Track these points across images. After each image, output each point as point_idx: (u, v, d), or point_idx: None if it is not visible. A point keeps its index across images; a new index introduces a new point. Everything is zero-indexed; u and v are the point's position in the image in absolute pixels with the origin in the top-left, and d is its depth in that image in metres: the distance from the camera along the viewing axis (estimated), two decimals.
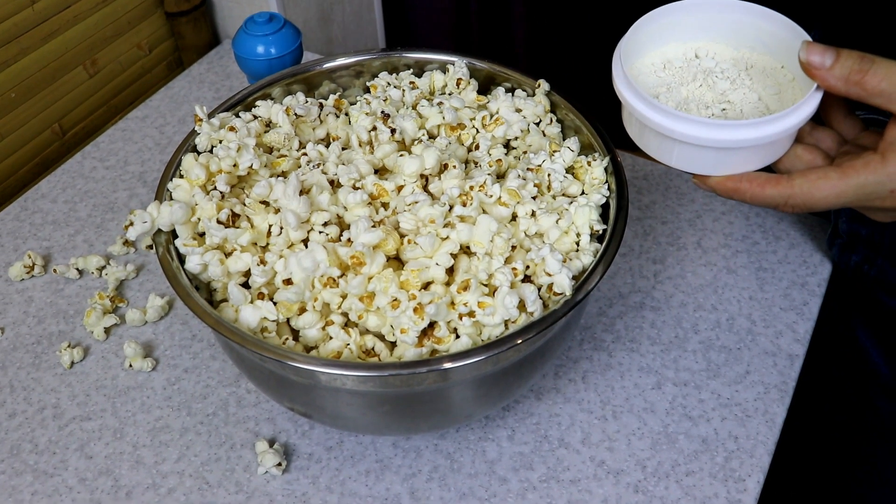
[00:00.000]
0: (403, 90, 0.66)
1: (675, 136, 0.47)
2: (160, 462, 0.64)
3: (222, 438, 0.65)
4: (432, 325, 0.51)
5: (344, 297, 0.53)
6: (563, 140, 0.64)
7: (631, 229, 0.80)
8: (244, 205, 0.57)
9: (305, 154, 0.61)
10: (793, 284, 0.75)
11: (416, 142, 0.61)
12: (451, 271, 0.54)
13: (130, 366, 0.70)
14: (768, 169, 0.50)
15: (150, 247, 0.80)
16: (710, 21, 0.52)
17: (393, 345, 0.53)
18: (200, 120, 0.62)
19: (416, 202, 0.54)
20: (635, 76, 0.51)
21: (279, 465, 0.62)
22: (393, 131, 0.60)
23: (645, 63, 0.53)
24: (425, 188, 0.57)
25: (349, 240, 0.53)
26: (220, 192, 0.57)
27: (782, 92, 0.51)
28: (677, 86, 0.52)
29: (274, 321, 0.53)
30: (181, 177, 0.59)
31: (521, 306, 0.51)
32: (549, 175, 0.58)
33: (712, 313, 0.73)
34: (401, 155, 0.59)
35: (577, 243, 0.56)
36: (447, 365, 0.48)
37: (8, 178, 0.91)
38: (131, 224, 0.79)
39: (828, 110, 0.51)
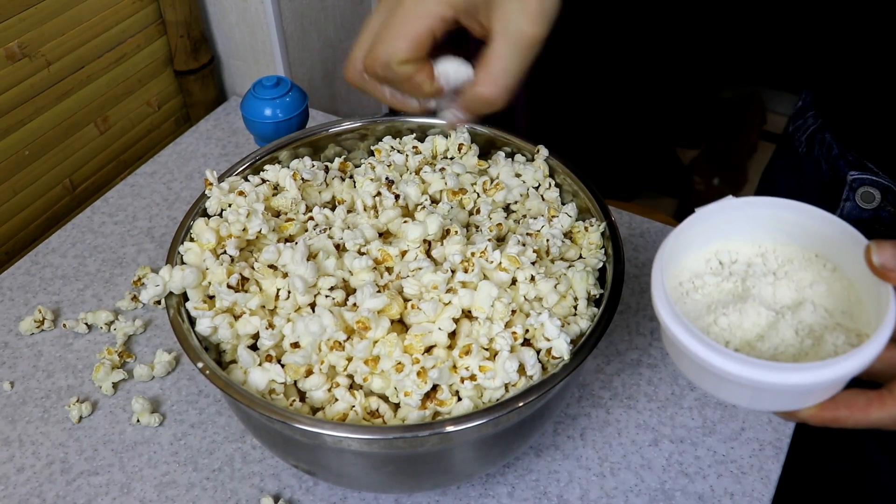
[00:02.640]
0: (407, 155, 0.69)
1: (757, 386, 0.40)
2: None
3: (228, 494, 0.66)
4: (435, 387, 0.53)
5: (349, 360, 0.54)
6: (562, 204, 0.67)
7: (628, 287, 0.82)
8: (253, 269, 0.59)
9: (312, 218, 0.63)
10: None
11: (419, 207, 0.63)
12: (452, 335, 0.55)
13: (138, 421, 0.71)
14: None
15: (158, 302, 0.81)
16: (723, 223, 0.47)
17: (397, 406, 0.55)
18: (211, 184, 0.64)
19: (420, 268, 0.56)
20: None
21: None
22: (397, 197, 0.62)
23: (672, 284, 0.47)
24: (428, 253, 0.60)
25: (355, 304, 0.55)
26: (230, 257, 0.59)
27: (830, 287, 0.45)
28: (723, 309, 0.45)
29: (282, 383, 0.54)
30: (192, 240, 0.61)
31: (521, 370, 0.53)
32: (547, 240, 0.60)
33: None
34: (404, 220, 0.61)
35: (575, 307, 0.58)
36: (451, 428, 0.50)
37: (19, 233, 0.93)
38: (140, 281, 0.81)
39: None
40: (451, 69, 0.51)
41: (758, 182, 0.94)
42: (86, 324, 0.79)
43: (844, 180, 0.72)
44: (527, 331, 0.55)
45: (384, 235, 0.63)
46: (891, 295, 0.41)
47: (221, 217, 0.63)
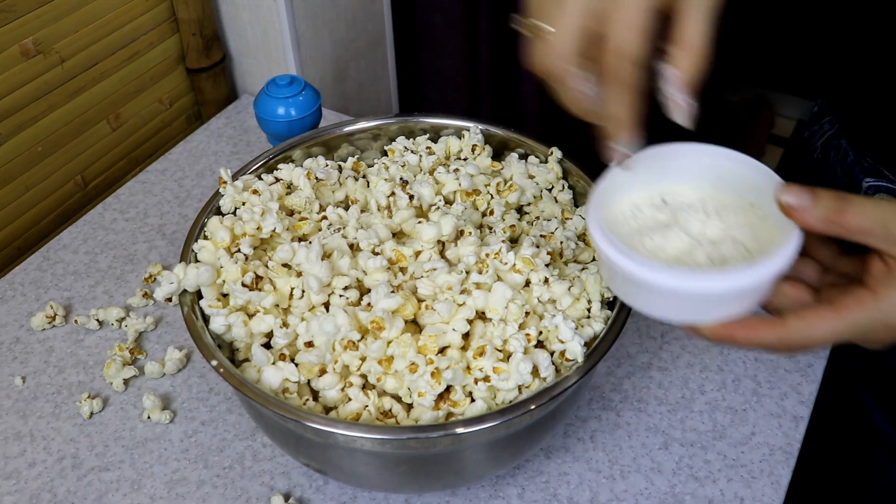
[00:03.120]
0: (420, 155, 0.69)
1: (661, 290, 0.46)
2: None
3: (238, 492, 0.66)
4: (448, 388, 0.53)
5: (363, 359, 0.54)
6: (575, 207, 0.67)
7: None
8: (267, 267, 0.59)
9: (326, 217, 0.63)
10: None
11: (433, 207, 0.63)
12: (466, 336, 0.55)
13: (149, 417, 0.71)
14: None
15: (169, 299, 0.82)
16: (672, 166, 0.52)
17: (409, 406, 0.55)
18: (225, 182, 0.64)
19: (434, 269, 0.56)
20: (608, 225, 0.49)
21: None
22: (411, 197, 0.62)
23: (615, 212, 0.52)
24: (442, 253, 0.60)
25: (369, 304, 0.55)
26: (245, 255, 0.59)
27: (756, 231, 0.50)
28: (650, 233, 0.51)
29: (295, 382, 0.55)
30: (206, 238, 0.61)
31: (535, 371, 0.53)
32: (561, 242, 0.60)
33: (718, 374, 0.74)
34: (418, 221, 0.61)
35: (589, 310, 0.58)
36: (464, 430, 0.50)
37: (31, 229, 0.93)
38: (152, 277, 0.81)
39: (805, 238, 0.50)
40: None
41: None
42: (97, 320, 0.80)
43: (860, 186, 0.72)
44: (540, 333, 0.55)
45: (398, 236, 0.63)
46: (795, 231, 0.46)
47: (235, 215, 0.63)
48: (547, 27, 0.45)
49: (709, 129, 2.15)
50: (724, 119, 2.27)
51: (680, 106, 0.47)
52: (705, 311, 0.47)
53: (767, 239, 0.49)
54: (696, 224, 0.50)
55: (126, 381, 0.74)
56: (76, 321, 0.80)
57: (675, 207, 0.51)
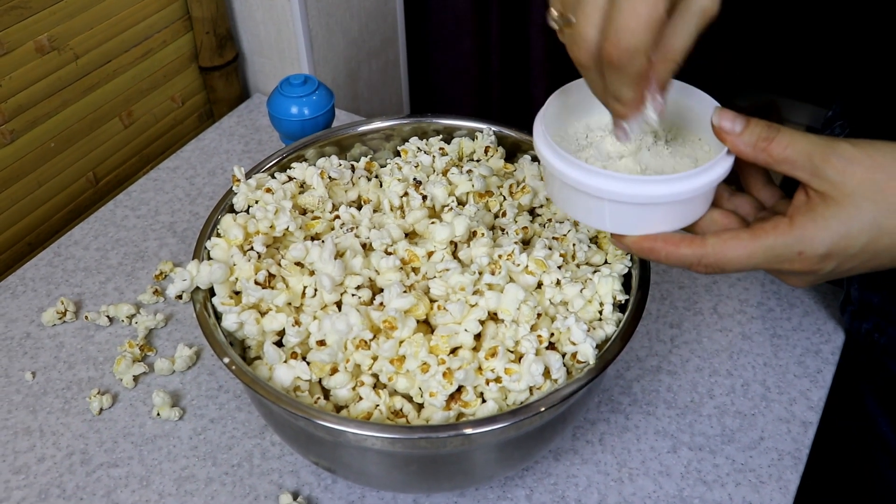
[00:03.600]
0: (433, 156, 0.69)
1: (593, 193, 0.48)
2: None
3: (247, 490, 0.66)
4: (460, 388, 0.53)
5: (375, 359, 0.55)
6: None
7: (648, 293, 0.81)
8: (280, 265, 0.59)
9: (338, 217, 0.63)
10: (807, 352, 0.76)
11: (445, 208, 0.63)
12: (478, 337, 0.55)
13: (158, 414, 0.72)
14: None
15: (180, 297, 0.82)
16: None
17: (420, 406, 0.55)
18: (238, 180, 0.64)
19: (447, 269, 0.56)
20: (559, 142, 0.51)
21: None
22: (424, 198, 0.62)
23: (567, 132, 0.54)
24: (454, 254, 0.60)
25: (381, 303, 0.55)
26: (258, 253, 0.59)
27: (699, 161, 0.52)
28: (598, 151, 0.52)
29: (307, 381, 0.55)
30: (219, 236, 0.61)
31: (546, 373, 0.53)
32: (573, 245, 0.60)
33: (727, 379, 0.74)
34: (431, 221, 0.61)
35: (601, 312, 0.58)
36: (475, 430, 0.50)
37: (42, 224, 0.94)
38: (163, 274, 0.81)
39: (748, 178, 0.53)
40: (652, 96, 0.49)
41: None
42: (107, 316, 0.80)
43: None
44: (552, 334, 0.55)
45: (410, 236, 0.63)
46: (723, 153, 0.48)
47: (248, 213, 0.63)
48: (571, 18, 0.46)
49: None
50: None
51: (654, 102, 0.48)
52: (632, 220, 0.49)
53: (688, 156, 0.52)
54: (643, 148, 0.52)
55: (136, 378, 0.75)
56: (86, 317, 0.80)
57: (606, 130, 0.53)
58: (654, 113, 0.48)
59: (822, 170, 0.45)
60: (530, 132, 0.71)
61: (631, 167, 0.51)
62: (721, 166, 0.48)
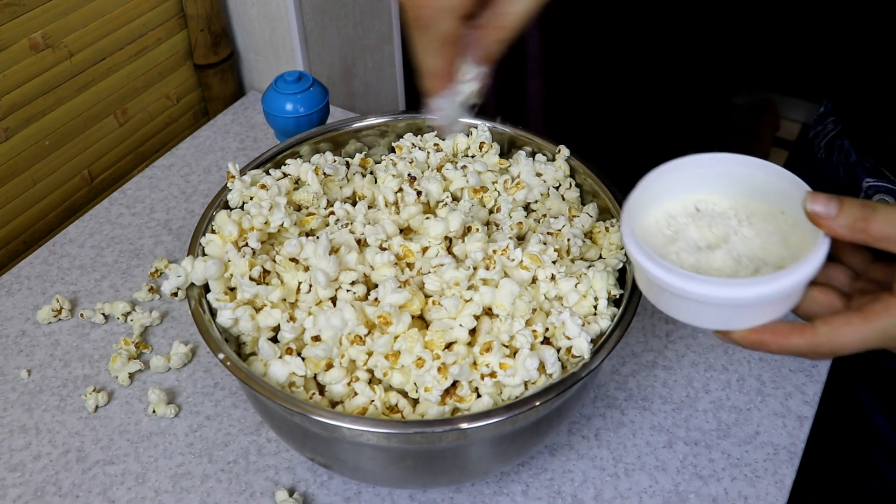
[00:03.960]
0: (428, 152, 0.69)
1: (698, 299, 0.47)
2: None
3: (242, 486, 0.66)
4: (455, 383, 0.53)
5: (370, 354, 0.55)
6: (582, 204, 0.67)
7: None
8: (274, 261, 0.59)
9: (333, 213, 0.63)
10: None
11: (440, 204, 0.63)
12: (473, 332, 0.55)
13: (154, 412, 0.71)
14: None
15: (175, 294, 0.82)
16: (704, 175, 0.53)
17: (415, 401, 0.55)
18: (233, 177, 0.64)
19: (442, 265, 0.56)
20: (643, 236, 0.51)
21: None
22: (419, 193, 0.62)
23: (649, 221, 0.53)
24: (449, 250, 0.60)
25: (376, 299, 0.55)
26: (252, 249, 0.59)
27: (786, 237, 0.51)
28: (686, 242, 0.52)
29: (302, 376, 0.55)
30: (214, 232, 0.61)
31: (541, 368, 0.53)
32: (568, 240, 0.60)
33: (723, 373, 0.75)
34: (426, 217, 0.61)
35: (595, 307, 0.58)
36: (470, 425, 0.50)
37: (37, 223, 0.94)
38: (158, 272, 0.81)
39: (835, 245, 0.50)
40: (469, 68, 0.49)
41: None
42: (103, 314, 0.80)
43: (860, 187, 0.72)
44: (547, 329, 0.55)
45: (405, 232, 0.63)
46: (821, 238, 0.46)
47: (243, 210, 0.63)
48: None
49: (715, 131, 2.16)
50: (729, 122, 2.27)
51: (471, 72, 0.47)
52: (737, 317, 0.48)
53: (797, 245, 0.50)
54: (725, 230, 0.51)
55: (131, 375, 0.75)
56: (82, 315, 0.80)
57: (708, 215, 0.53)
58: (469, 86, 0.46)
59: None
60: (525, 128, 0.71)
61: (726, 261, 0.50)
62: (820, 253, 0.46)
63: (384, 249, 0.59)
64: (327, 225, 0.63)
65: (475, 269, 0.57)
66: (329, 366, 0.55)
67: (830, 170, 0.77)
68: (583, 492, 0.66)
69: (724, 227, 0.51)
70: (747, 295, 0.46)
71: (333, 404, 0.55)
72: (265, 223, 0.60)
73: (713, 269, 0.50)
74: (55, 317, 0.80)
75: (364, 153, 0.72)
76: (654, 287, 0.50)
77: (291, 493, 0.65)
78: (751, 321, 0.48)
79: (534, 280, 0.58)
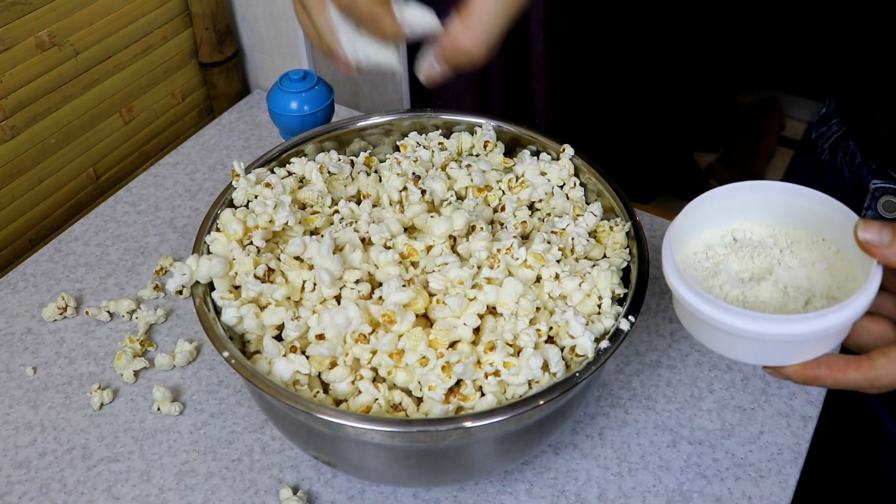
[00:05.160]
0: (433, 151, 0.69)
1: (745, 335, 0.45)
2: None
3: (247, 484, 0.66)
4: (458, 382, 0.53)
5: (374, 353, 0.55)
6: (586, 203, 0.67)
7: (648, 288, 0.81)
8: (279, 260, 0.59)
9: (338, 211, 0.63)
10: None
11: (444, 202, 0.63)
12: (477, 331, 0.56)
13: (158, 409, 0.72)
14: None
15: (180, 292, 0.82)
16: (741, 203, 0.52)
17: (419, 400, 0.55)
18: (238, 175, 0.64)
19: (446, 263, 0.56)
20: (683, 269, 0.49)
21: None
22: (423, 192, 0.62)
23: (687, 253, 0.52)
24: (453, 248, 0.60)
25: (380, 297, 0.55)
26: (257, 247, 0.59)
27: (831, 265, 0.50)
28: (728, 275, 0.50)
29: (306, 374, 0.55)
30: (218, 230, 0.62)
31: (545, 366, 0.53)
32: (572, 239, 0.61)
33: (727, 373, 0.74)
34: (431, 215, 0.61)
35: (599, 306, 0.58)
36: (474, 423, 0.50)
37: (43, 220, 0.94)
38: (163, 270, 0.81)
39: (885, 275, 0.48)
40: (415, 15, 0.50)
41: None
42: (108, 312, 0.80)
43: (867, 189, 0.72)
44: (551, 328, 0.55)
45: (409, 230, 0.63)
46: (874, 267, 0.45)
47: (248, 208, 0.63)
48: None
49: (720, 130, 2.16)
50: (735, 121, 2.27)
51: (426, 64, 0.50)
52: (788, 354, 0.47)
53: (843, 273, 0.49)
54: (766, 261, 0.50)
55: (136, 373, 0.75)
56: (87, 312, 0.80)
57: (748, 245, 0.52)
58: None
59: None
60: (530, 127, 0.71)
61: (773, 293, 0.49)
62: (874, 284, 0.45)
63: (388, 248, 0.59)
64: (332, 223, 0.63)
65: (479, 267, 0.57)
66: (333, 364, 0.55)
67: (835, 172, 0.77)
68: (586, 491, 0.66)
69: (766, 258, 0.50)
70: (804, 331, 0.44)
71: (337, 402, 0.56)
72: (270, 221, 0.60)
73: (760, 302, 0.48)
74: (60, 314, 0.80)
75: (368, 152, 0.72)
76: (698, 323, 0.48)
77: (295, 490, 0.65)
78: (803, 356, 0.47)
79: (538, 279, 0.58)
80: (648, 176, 2.04)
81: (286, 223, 0.60)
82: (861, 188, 0.73)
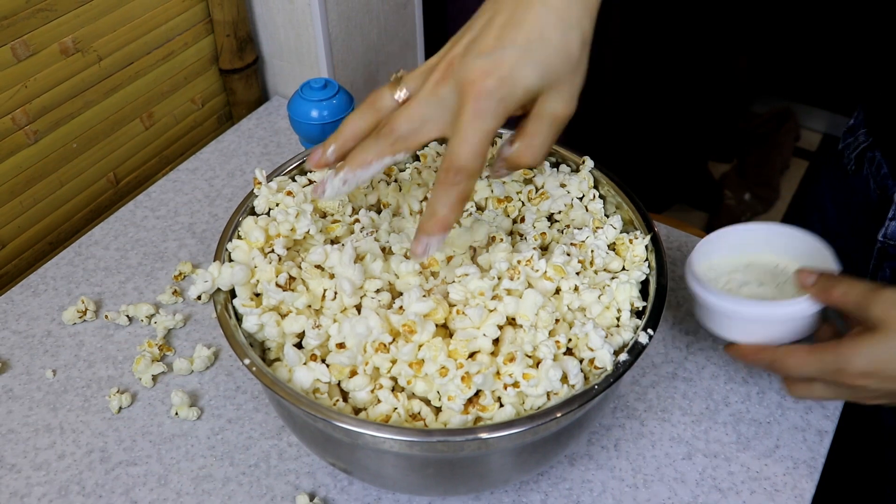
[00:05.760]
0: None
1: (723, 313, 0.63)
2: None
3: (263, 490, 0.67)
4: (478, 392, 0.53)
5: (394, 362, 0.55)
6: (605, 215, 0.67)
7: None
8: (300, 268, 0.59)
9: (358, 220, 0.64)
10: None
11: (465, 213, 0.63)
12: (496, 342, 0.56)
13: (176, 414, 0.72)
14: None
15: (199, 297, 0.83)
16: (760, 238, 0.68)
17: (438, 410, 0.55)
18: (259, 183, 0.65)
19: (467, 275, 0.57)
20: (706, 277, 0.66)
21: None
22: None
23: (703, 269, 0.67)
24: (473, 259, 0.60)
25: (401, 307, 0.56)
26: (278, 256, 0.59)
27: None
28: (739, 284, 0.67)
29: (326, 383, 0.55)
30: (240, 238, 0.62)
31: (564, 378, 0.53)
32: (592, 251, 0.61)
33: (743, 386, 0.74)
34: None
35: (618, 318, 0.58)
36: (493, 434, 0.50)
37: (63, 224, 0.95)
38: (182, 275, 0.82)
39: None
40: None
41: (791, 198, 0.94)
42: (127, 316, 0.81)
43: (891, 199, 0.72)
44: (570, 340, 0.56)
45: None
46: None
47: (269, 216, 0.64)
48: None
49: (735, 140, 2.14)
50: (750, 131, 2.27)
51: (500, 170, 0.55)
52: (753, 332, 0.63)
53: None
54: (768, 289, 0.66)
55: (154, 378, 0.75)
56: (106, 316, 0.81)
57: (756, 269, 0.68)
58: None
59: (868, 310, 0.56)
60: None
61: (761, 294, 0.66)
62: (798, 300, 0.61)
63: (409, 258, 0.59)
64: (352, 232, 0.63)
65: (499, 279, 0.57)
66: (353, 373, 0.55)
67: (861, 182, 0.77)
68: (601, 502, 0.66)
69: (771, 284, 0.66)
70: (755, 312, 0.62)
71: (357, 411, 0.56)
72: (291, 230, 0.61)
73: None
74: (80, 318, 0.81)
75: None
76: (703, 309, 0.66)
77: (312, 497, 0.66)
78: (761, 338, 0.63)
79: (557, 291, 0.59)
80: (663, 185, 2.04)
81: (307, 232, 0.61)
82: (886, 199, 0.73)
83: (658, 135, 1.92)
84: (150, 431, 0.72)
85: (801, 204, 0.96)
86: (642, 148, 1.89)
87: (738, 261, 0.68)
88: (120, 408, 0.73)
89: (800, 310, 0.61)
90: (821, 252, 0.64)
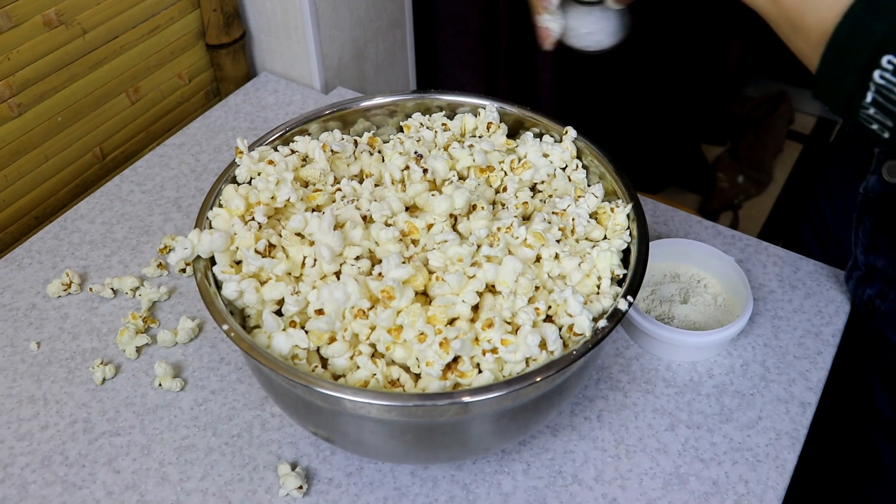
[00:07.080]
0: (436, 131, 0.69)
1: (658, 338, 0.73)
2: (185, 480, 0.66)
3: (246, 459, 0.67)
4: (456, 359, 0.53)
5: (373, 328, 0.55)
6: (588, 186, 0.67)
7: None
8: (280, 236, 0.59)
9: (340, 189, 0.63)
10: (807, 333, 0.77)
11: (446, 182, 0.63)
12: (475, 308, 0.56)
13: (160, 385, 0.72)
14: None
15: (184, 270, 0.83)
16: (684, 252, 0.79)
17: (417, 376, 0.55)
18: (241, 152, 0.65)
19: (446, 241, 0.56)
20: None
21: (300, 487, 0.64)
22: (425, 171, 0.62)
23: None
24: (454, 227, 0.60)
25: (380, 274, 0.56)
26: (258, 223, 0.59)
27: (726, 300, 0.78)
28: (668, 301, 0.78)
29: (305, 349, 0.55)
30: (221, 206, 0.62)
31: (542, 345, 0.53)
32: (573, 219, 0.61)
33: (727, 359, 0.75)
34: (432, 194, 0.61)
35: (598, 286, 0.58)
36: (471, 398, 0.50)
37: (49, 198, 0.94)
38: (167, 248, 0.82)
39: None
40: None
41: (784, 181, 0.94)
42: (112, 289, 0.80)
43: (875, 155, 0.73)
44: (549, 307, 0.56)
45: (410, 209, 0.63)
46: (747, 306, 0.74)
47: (251, 185, 0.64)
48: None
49: (729, 123, 2.14)
50: (743, 114, 2.26)
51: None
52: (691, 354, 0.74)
53: (726, 310, 0.77)
54: (697, 295, 0.78)
55: (139, 349, 0.75)
56: (91, 289, 0.81)
57: (683, 278, 0.79)
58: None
59: None
60: (533, 109, 0.71)
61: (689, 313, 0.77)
62: (746, 316, 0.73)
63: (389, 226, 0.59)
64: (334, 201, 0.63)
65: (479, 246, 0.57)
66: (332, 339, 0.55)
67: (852, 144, 0.79)
68: (583, 472, 0.66)
69: (691, 290, 0.78)
70: (690, 341, 0.72)
71: (336, 377, 0.56)
72: (272, 198, 0.61)
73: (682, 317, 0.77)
74: (65, 291, 0.81)
75: (372, 132, 0.72)
76: (638, 332, 0.75)
77: (294, 466, 0.66)
78: (693, 357, 0.75)
79: (537, 258, 0.58)
80: (656, 167, 2.04)
81: (288, 200, 0.60)
82: (871, 154, 0.74)
83: (651, 117, 1.91)
84: (134, 402, 0.72)
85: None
86: (636, 130, 1.88)
87: (665, 268, 0.80)
88: (104, 379, 0.73)
89: (723, 335, 0.72)
90: (739, 276, 0.76)
